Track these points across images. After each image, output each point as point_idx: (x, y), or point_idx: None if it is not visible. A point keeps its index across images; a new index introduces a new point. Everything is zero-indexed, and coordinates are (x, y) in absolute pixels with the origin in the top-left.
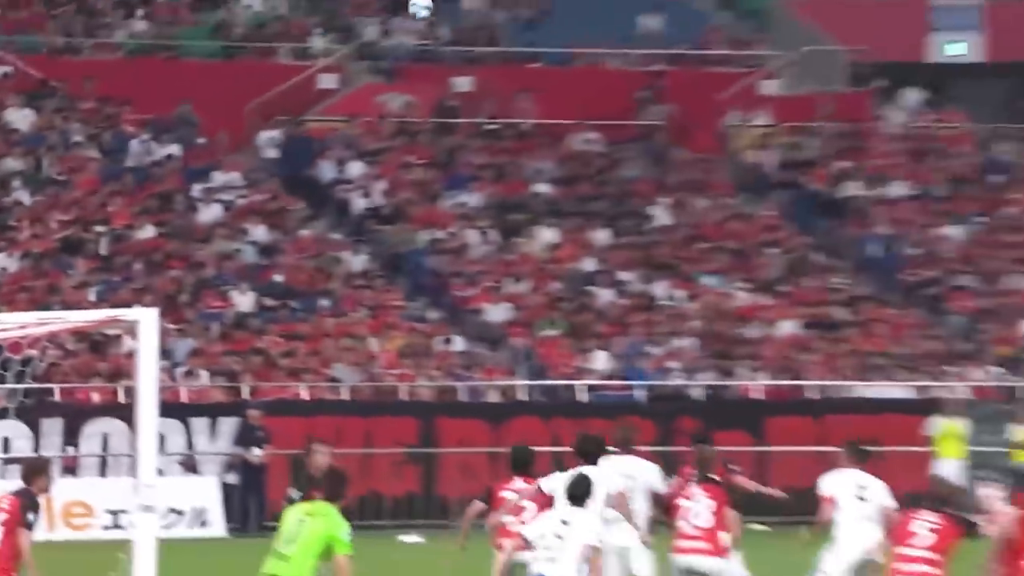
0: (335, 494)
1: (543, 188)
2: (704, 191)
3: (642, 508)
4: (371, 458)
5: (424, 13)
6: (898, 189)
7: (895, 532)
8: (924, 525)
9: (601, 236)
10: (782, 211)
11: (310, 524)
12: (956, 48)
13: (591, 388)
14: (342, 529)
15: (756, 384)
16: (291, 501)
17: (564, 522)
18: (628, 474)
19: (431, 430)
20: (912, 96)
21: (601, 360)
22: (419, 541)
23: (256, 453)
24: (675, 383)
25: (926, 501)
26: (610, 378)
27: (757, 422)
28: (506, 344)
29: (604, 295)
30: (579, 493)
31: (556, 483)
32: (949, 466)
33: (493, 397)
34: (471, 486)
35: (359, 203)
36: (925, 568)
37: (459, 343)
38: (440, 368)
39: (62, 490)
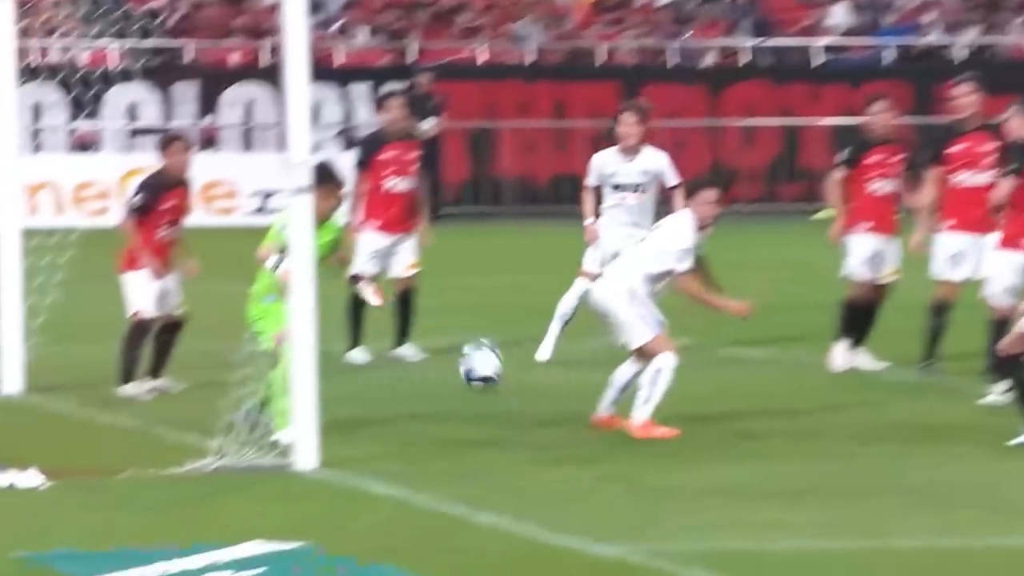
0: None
1: None
2: None
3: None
4: (566, 132)
5: None
6: None
7: None
8: None
9: None
10: None
11: None
12: None
13: (828, 49)
14: None
15: None
16: None
17: None
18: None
19: (635, 96)
20: None
21: (839, 14)
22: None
23: (426, 126)
24: (931, 41)
25: None
26: (850, 35)
27: None
28: None
29: None
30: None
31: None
32: None
33: (709, 60)
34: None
35: None
36: None
37: None
38: (644, 24)
39: (198, 168)
